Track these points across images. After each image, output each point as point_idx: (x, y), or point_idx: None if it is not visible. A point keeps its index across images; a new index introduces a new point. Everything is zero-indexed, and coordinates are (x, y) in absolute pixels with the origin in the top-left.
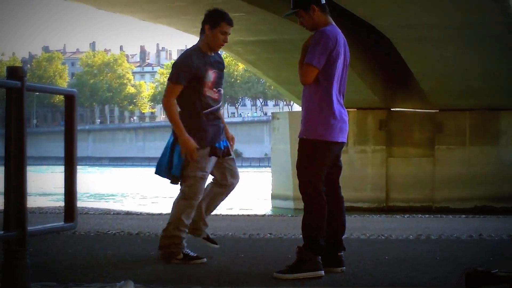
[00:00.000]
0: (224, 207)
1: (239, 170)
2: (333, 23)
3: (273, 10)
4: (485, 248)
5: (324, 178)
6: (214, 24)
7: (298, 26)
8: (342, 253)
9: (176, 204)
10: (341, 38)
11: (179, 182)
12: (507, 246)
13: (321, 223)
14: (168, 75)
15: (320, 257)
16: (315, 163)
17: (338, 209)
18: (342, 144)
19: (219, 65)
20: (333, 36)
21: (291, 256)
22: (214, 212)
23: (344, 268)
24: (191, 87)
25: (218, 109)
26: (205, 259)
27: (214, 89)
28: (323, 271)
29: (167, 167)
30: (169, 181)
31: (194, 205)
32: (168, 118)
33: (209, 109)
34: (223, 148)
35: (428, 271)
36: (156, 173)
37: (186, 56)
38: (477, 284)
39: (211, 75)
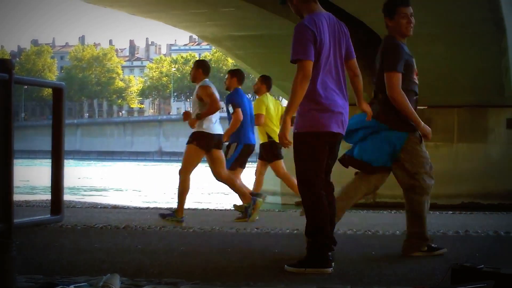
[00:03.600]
0: (212, 202)
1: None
2: (317, 10)
3: (262, 5)
4: (471, 244)
5: (323, 168)
6: (390, 13)
7: (286, 21)
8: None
9: (418, 203)
10: (325, 25)
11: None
12: (493, 242)
13: (322, 224)
14: (385, 66)
15: (330, 253)
16: (308, 158)
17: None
18: (330, 134)
19: None
20: (311, 25)
21: (277, 251)
22: (202, 207)
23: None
24: (404, 74)
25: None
26: (445, 249)
27: (417, 76)
28: (330, 269)
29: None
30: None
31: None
32: (402, 109)
33: (415, 97)
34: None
35: (414, 267)
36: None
37: (396, 45)
38: (463, 279)
39: (414, 61)
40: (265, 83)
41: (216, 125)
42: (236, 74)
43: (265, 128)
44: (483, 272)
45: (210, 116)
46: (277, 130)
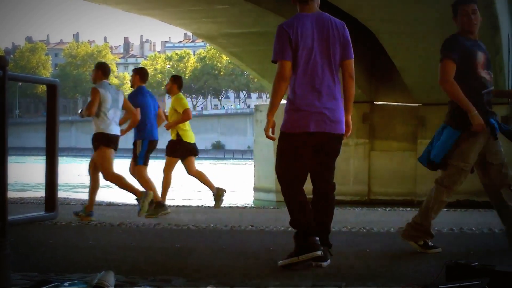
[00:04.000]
0: (207, 199)
1: (221, 162)
2: (305, 10)
3: (257, 2)
4: (466, 241)
5: (305, 167)
6: (454, 11)
7: (281, 18)
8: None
9: (432, 190)
10: (307, 25)
11: (437, 169)
12: (487, 239)
13: (299, 219)
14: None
15: (317, 238)
16: (282, 157)
17: (318, 207)
18: (306, 134)
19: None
20: (288, 27)
21: (272, 248)
22: (195, 204)
23: (321, 264)
24: (463, 68)
25: (490, 92)
26: (440, 249)
27: (485, 71)
28: (320, 251)
29: (426, 154)
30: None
31: (447, 196)
32: (453, 98)
33: (484, 91)
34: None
35: (409, 264)
36: (419, 159)
37: (451, 38)
38: (458, 277)
39: (481, 56)
40: (176, 82)
41: (113, 126)
42: (139, 72)
43: (176, 127)
44: (478, 269)
45: (108, 117)
46: (189, 128)
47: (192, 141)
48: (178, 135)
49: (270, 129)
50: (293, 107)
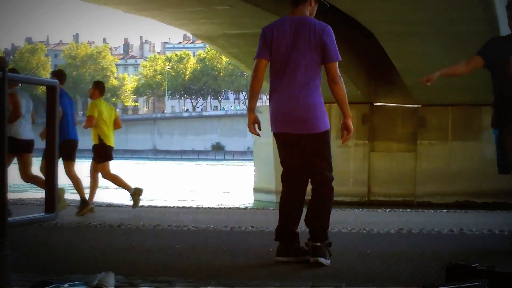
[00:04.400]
0: (207, 200)
1: (221, 163)
2: (292, 14)
3: (256, 3)
4: (466, 242)
5: (294, 167)
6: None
7: None
8: (318, 244)
9: None
10: (285, 28)
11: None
12: (487, 240)
13: (281, 210)
14: None
15: (280, 243)
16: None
17: (311, 205)
18: (280, 134)
19: None
20: (267, 29)
21: (272, 249)
22: (195, 205)
23: (318, 259)
24: (492, 72)
25: None
26: None
27: None
28: (277, 258)
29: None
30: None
31: None
32: None
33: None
34: None
35: (409, 265)
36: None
37: (490, 39)
38: (458, 278)
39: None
40: (98, 88)
41: (25, 130)
42: (56, 75)
43: (97, 130)
44: (478, 270)
45: (20, 122)
46: (109, 133)
47: (113, 145)
48: (100, 139)
49: (256, 125)
50: (270, 109)
